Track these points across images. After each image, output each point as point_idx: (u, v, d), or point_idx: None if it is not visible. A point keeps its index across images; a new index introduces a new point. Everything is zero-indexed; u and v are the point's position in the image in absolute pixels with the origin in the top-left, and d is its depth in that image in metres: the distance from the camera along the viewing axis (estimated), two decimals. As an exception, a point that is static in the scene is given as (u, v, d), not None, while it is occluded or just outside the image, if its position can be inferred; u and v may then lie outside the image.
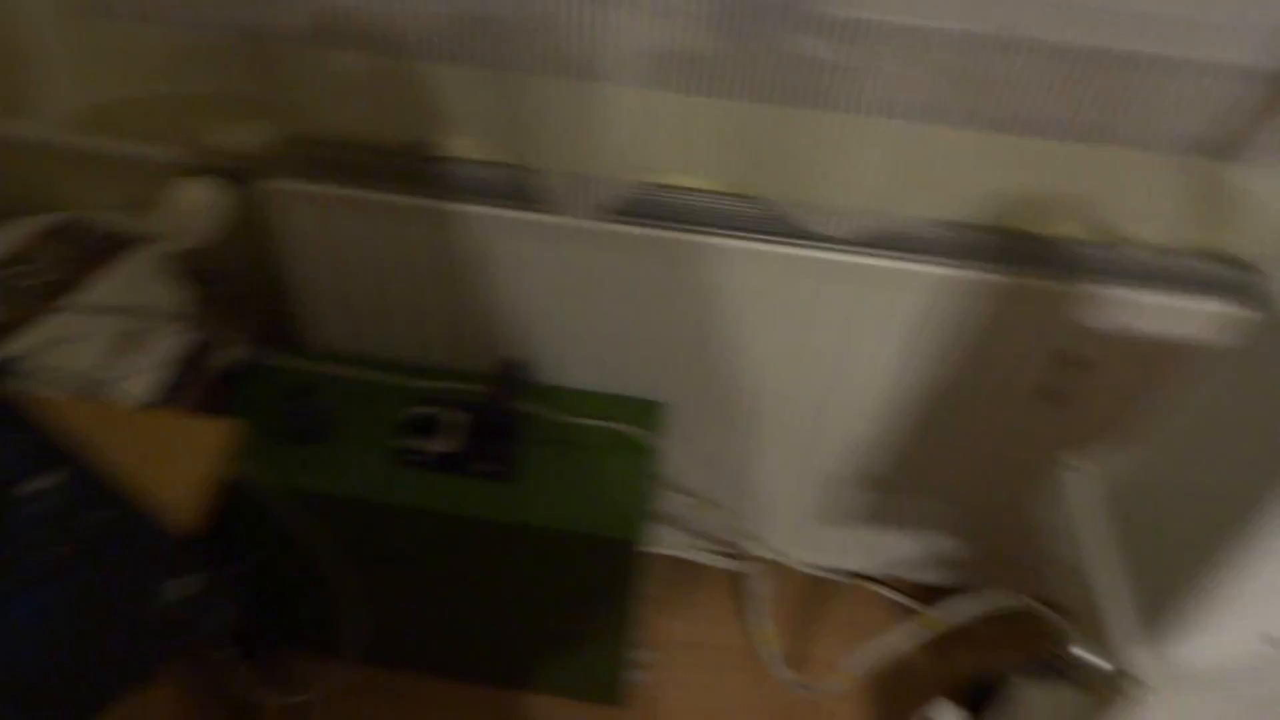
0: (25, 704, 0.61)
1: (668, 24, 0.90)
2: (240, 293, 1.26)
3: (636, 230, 1.04)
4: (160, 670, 0.67)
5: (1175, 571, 0.70)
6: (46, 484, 0.71)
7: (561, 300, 1.15)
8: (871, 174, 1.00)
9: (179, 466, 0.76)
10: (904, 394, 1.20)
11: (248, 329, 1.24)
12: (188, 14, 0.96)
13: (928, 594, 1.50)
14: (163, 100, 1.07)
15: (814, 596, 1.54)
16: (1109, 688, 0.74)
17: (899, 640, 1.43)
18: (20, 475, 0.72)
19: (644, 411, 1.23)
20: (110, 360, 1.09)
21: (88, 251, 1.21)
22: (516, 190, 1.06)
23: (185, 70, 1.02)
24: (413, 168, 1.08)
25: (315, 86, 1.03)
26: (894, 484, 1.33)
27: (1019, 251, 1.05)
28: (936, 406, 1.20)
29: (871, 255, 1.03)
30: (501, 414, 1.18)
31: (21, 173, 1.21)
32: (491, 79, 0.98)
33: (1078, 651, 0.73)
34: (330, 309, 1.23)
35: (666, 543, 1.50)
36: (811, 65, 0.93)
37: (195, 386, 1.16)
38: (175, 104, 1.07)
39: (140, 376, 1.09)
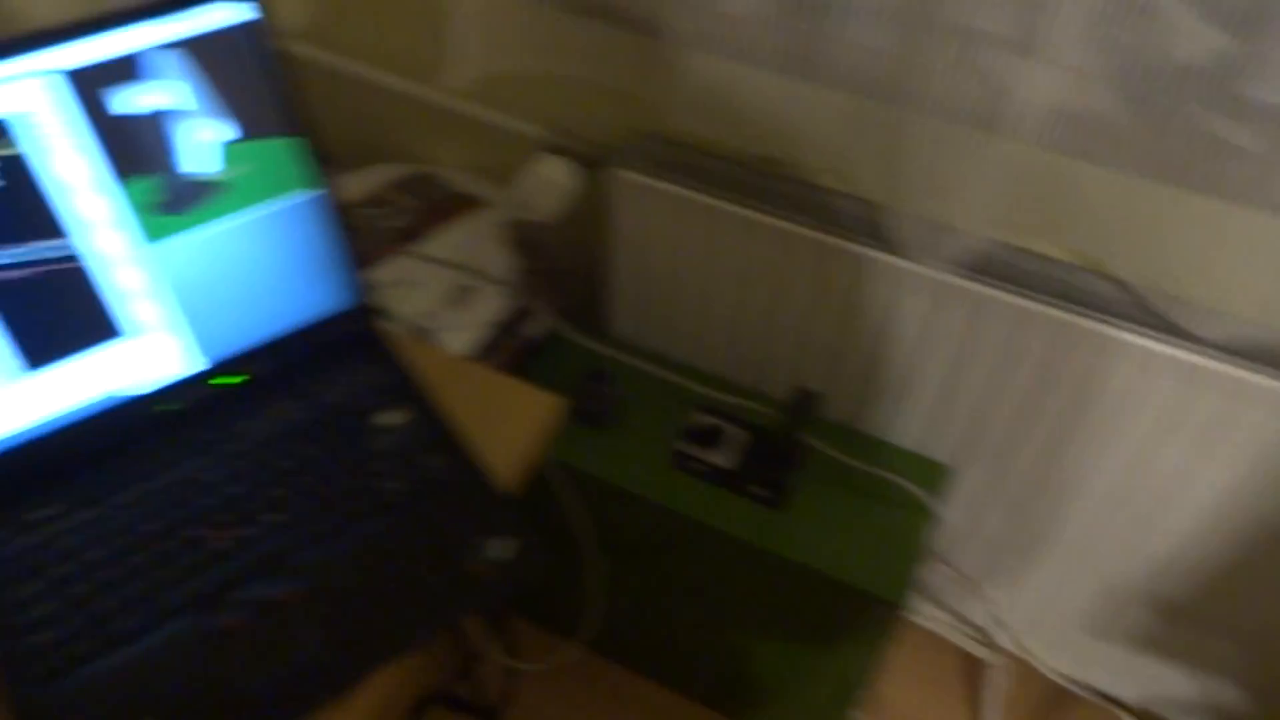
0: (336, 627, 0.64)
1: (1079, 84, 0.84)
2: (560, 269, 1.31)
3: (984, 290, 0.99)
4: (459, 625, 0.69)
5: None
6: (395, 420, 0.76)
7: (879, 343, 1.11)
8: (1268, 279, 0.90)
9: (509, 430, 0.78)
10: (1236, 523, 1.07)
11: (557, 304, 1.28)
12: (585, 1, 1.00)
13: (1191, 741, 1.35)
14: (541, 79, 1.12)
15: (1056, 707, 1.42)
16: None
17: (1151, 784, 1.30)
18: (374, 406, 0.76)
19: (931, 472, 1.17)
20: (439, 310, 1.16)
21: (435, 205, 1.29)
22: (865, 225, 1.03)
23: (567, 53, 1.06)
24: (761, 183, 1.07)
25: (683, 88, 1.04)
26: (1188, 615, 1.20)
27: None
28: (1271, 546, 1.07)
29: (1245, 367, 0.93)
30: (785, 441, 1.16)
31: (400, 125, 1.30)
32: (867, 110, 0.96)
33: None
34: (640, 301, 1.25)
35: (914, 610, 1.43)
36: (1227, 151, 0.84)
37: (505, 350, 1.21)
38: (551, 84, 1.12)
39: (462, 331, 1.15)
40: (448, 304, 1.16)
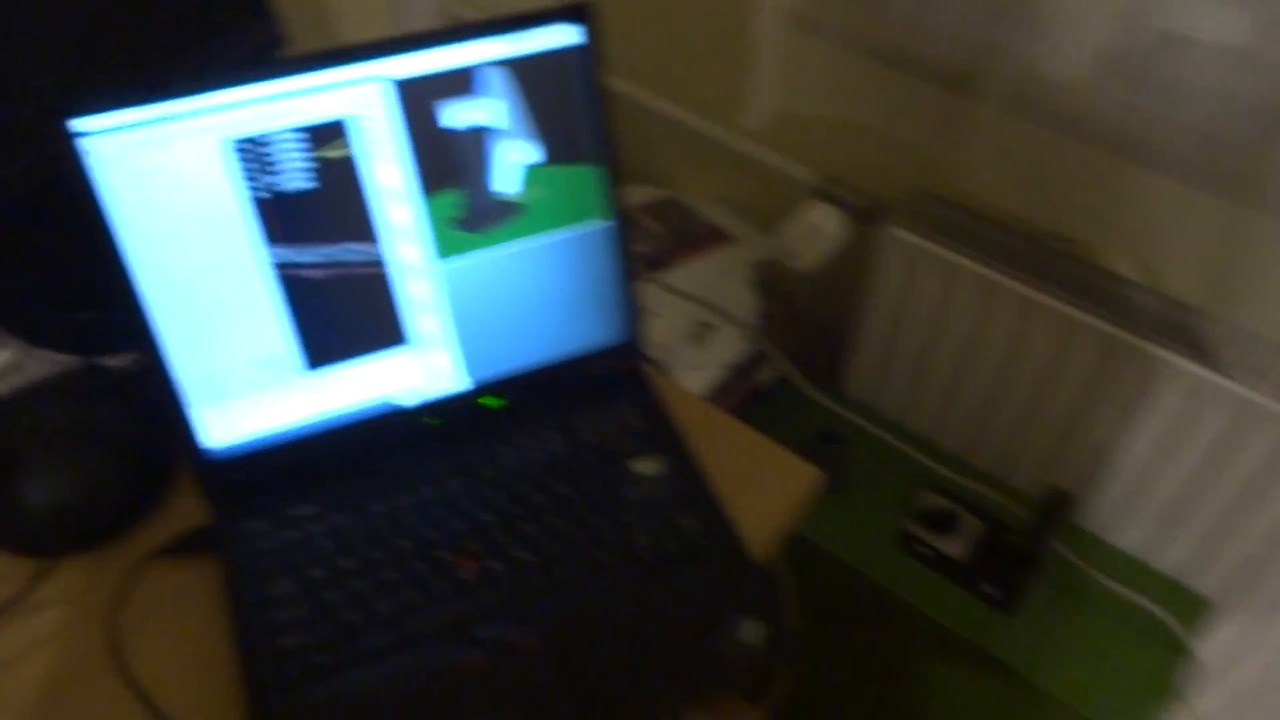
0: (575, 686, 0.61)
1: None
2: (802, 317, 1.25)
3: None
4: (688, 711, 0.65)
5: None
6: (651, 469, 0.72)
7: (1158, 456, 1.00)
8: None
9: (763, 497, 0.73)
10: None
11: (793, 353, 1.23)
12: (890, 49, 0.94)
13: None
14: (828, 124, 1.06)
15: None
16: None
17: None
18: (632, 450, 0.73)
19: (1190, 605, 1.05)
20: (677, 344, 1.13)
21: (682, 234, 1.27)
22: (1168, 326, 0.93)
23: (864, 101, 1.00)
24: (1048, 262, 0.98)
25: (983, 150, 0.97)
26: None
27: None
28: None
29: None
30: (1027, 541, 1.06)
31: (663, 149, 1.28)
32: (1199, 202, 0.86)
33: None
34: (884, 364, 1.18)
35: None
36: None
37: (735, 394, 1.17)
38: (837, 130, 1.06)
39: (698, 370, 1.11)
40: (686, 339, 1.13)
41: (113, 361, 0.74)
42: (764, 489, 0.74)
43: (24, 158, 0.67)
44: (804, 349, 1.26)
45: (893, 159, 1.04)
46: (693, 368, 1.11)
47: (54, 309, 0.72)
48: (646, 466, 0.72)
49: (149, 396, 0.68)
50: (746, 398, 1.20)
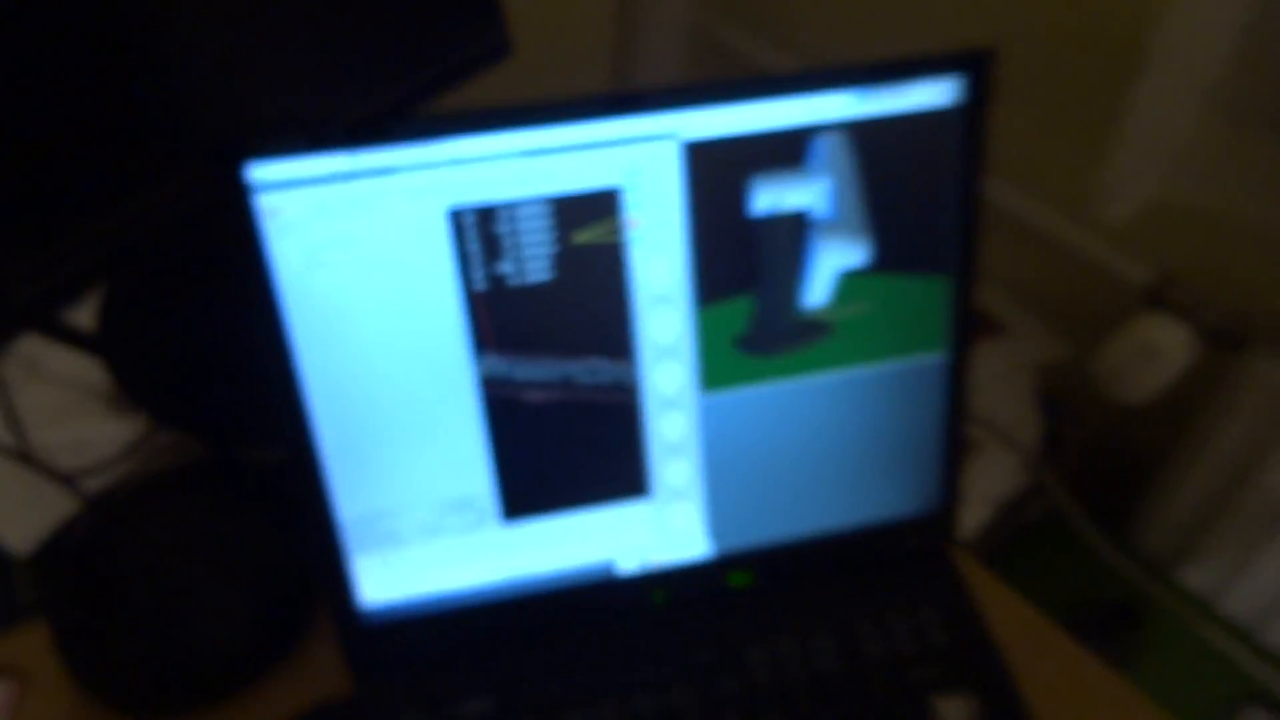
0: None
1: None
2: (1091, 442, 1.00)
3: None
4: None
5: None
6: (959, 714, 0.50)
7: None
8: None
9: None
10: None
11: (1071, 485, 0.98)
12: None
13: None
14: (1194, 216, 0.80)
15: None
16: None
17: None
18: (934, 680, 0.51)
19: None
20: (938, 466, 0.90)
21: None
22: None
23: (1257, 192, 0.75)
24: None
25: None
26: None
27: None
28: None
29: None
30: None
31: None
32: None
33: None
34: (1204, 523, 0.91)
35: None
36: None
37: (1000, 538, 0.93)
38: (1204, 224, 0.80)
39: (968, 506, 0.88)
40: (949, 461, 0.90)
41: (252, 455, 0.57)
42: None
43: (174, 193, 0.51)
44: (1083, 480, 1.00)
45: (1275, 269, 0.78)
46: (962, 503, 0.88)
47: (189, 381, 0.57)
48: (954, 710, 0.50)
49: (293, 511, 0.51)
50: (1008, 541, 0.96)
